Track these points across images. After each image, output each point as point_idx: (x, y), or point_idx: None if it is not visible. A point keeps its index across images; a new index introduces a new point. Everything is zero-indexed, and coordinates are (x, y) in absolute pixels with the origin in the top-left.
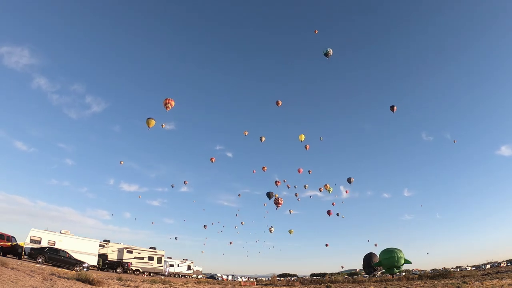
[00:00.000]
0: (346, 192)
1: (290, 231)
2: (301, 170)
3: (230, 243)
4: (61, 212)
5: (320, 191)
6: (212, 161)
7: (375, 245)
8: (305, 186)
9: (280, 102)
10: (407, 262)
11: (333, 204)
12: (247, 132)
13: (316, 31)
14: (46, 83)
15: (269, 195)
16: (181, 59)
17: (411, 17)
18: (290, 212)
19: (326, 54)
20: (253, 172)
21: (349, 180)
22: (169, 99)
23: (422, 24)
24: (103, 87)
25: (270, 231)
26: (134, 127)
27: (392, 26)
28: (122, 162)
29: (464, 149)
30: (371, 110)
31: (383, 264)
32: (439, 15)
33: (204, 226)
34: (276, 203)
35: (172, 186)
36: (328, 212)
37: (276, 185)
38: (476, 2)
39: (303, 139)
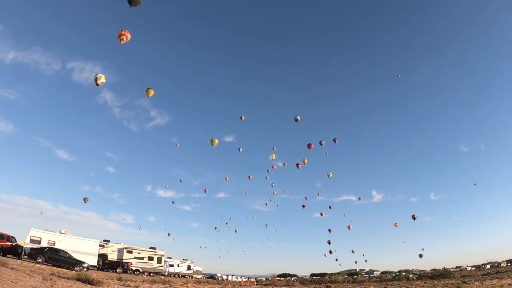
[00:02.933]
0: (359, 197)
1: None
2: (312, 145)
3: (215, 228)
4: (83, 216)
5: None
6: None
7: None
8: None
9: (243, 117)
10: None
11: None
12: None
13: (399, 75)
14: (112, 98)
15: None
16: (242, 78)
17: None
18: (321, 215)
19: (296, 120)
20: (301, 164)
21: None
22: (125, 31)
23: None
24: (170, 101)
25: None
26: (191, 138)
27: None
28: (167, 186)
29: (489, 158)
30: (420, 123)
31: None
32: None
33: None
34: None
35: (173, 203)
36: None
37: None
38: None
39: (273, 158)
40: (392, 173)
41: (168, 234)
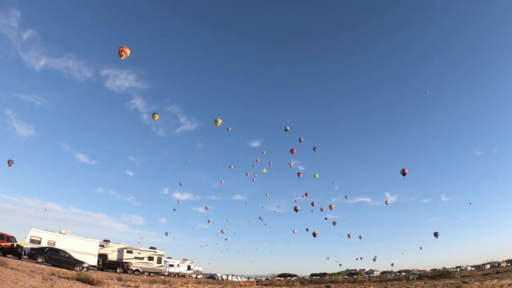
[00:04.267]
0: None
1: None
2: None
3: (208, 221)
4: (93, 218)
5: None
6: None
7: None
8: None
9: (229, 128)
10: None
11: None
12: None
13: (426, 92)
14: (143, 104)
15: None
16: (268, 83)
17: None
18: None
19: (286, 130)
20: (301, 173)
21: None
22: (124, 47)
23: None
24: (200, 108)
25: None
26: (218, 143)
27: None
28: (180, 202)
29: (497, 161)
30: (439, 128)
31: None
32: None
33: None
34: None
35: (174, 210)
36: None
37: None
38: None
39: (265, 171)
40: (406, 175)
41: (166, 234)
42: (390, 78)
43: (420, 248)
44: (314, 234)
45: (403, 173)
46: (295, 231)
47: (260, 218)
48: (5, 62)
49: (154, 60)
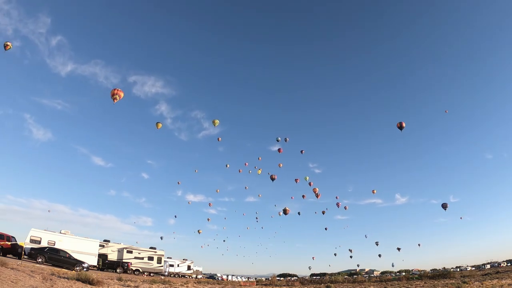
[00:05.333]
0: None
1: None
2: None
3: (208, 221)
4: (100, 219)
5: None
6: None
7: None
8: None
9: (219, 139)
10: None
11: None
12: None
13: (446, 111)
14: (167, 109)
15: None
16: (287, 87)
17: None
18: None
19: (277, 140)
20: (299, 179)
21: (301, 151)
22: (117, 90)
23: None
24: (224, 112)
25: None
26: (239, 147)
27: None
28: (179, 183)
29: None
30: (451, 134)
31: None
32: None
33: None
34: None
35: (175, 216)
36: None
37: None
38: None
39: (260, 172)
40: (416, 177)
41: (161, 238)
42: (391, 78)
43: (419, 245)
44: (285, 211)
45: (400, 127)
46: (281, 213)
47: (256, 219)
48: (30, 67)
49: (183, 67)
